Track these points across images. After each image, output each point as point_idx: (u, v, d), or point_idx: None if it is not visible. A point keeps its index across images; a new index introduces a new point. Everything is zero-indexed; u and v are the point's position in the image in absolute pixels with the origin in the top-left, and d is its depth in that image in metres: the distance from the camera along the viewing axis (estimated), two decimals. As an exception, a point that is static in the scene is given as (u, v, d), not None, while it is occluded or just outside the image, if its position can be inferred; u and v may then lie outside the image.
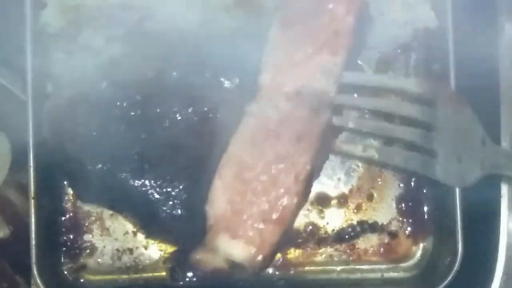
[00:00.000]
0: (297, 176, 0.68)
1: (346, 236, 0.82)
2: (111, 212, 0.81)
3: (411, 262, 0.83)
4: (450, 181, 0.73)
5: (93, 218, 0.82)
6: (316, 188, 0.82)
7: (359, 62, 0.82)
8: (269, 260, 0.72)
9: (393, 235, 0.83)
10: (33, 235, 0.74)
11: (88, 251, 0.81)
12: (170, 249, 0.81)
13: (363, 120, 0.77)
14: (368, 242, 0.83)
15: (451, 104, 0.71)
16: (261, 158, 0.67)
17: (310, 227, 0.82)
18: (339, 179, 0.83)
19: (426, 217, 0.82)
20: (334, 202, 0.82)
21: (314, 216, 0.82)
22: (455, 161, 0.71)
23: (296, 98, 0.66)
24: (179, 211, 0.76)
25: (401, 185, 0.83)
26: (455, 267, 0.75)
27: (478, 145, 0.70)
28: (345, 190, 0.83)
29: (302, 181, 0.68)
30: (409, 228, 0.83)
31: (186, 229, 0.77)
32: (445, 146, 0.71)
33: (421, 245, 0.83)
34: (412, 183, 0.83)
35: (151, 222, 0.79)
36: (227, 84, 0.77)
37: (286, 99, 0.67)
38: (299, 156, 0.67)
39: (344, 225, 0.83)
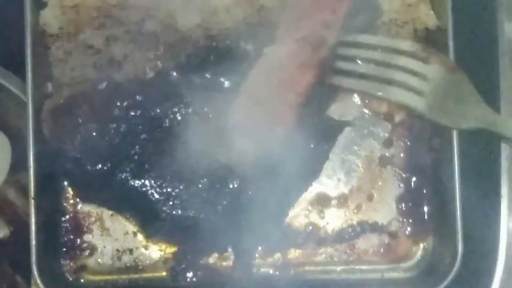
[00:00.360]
0: (302, 84, 0.75)
1: (346, 236, 0.82)
2: (111, 212, 0.81)
3: (411, 262, 0.83)
4: (439, 118, 0.75)
5: (93, 218, 0.82)
6: (316, 188, 0.82)
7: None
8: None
9: (393, 235, 0.83)
10: (33, 235, 0.74)
11: (88, 251, 0.81)
12: (170, 249, 0.81)
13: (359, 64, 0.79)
14: (368, 242, 0.83)
15: (443, 65, 0.75)
16: (275, 80, 0.76)
17: (310, 227, 0.82)
18: (339, 179, 0.83)
19: (426, 217, 0.82)
20: (334, 202, 0.82)
21: (314, 216, 0.82)
22: (447, 107, 0.75)
23: (302, 40, 0.76)
24: (179, 211, 0.76)
25: (401, 185, 0.83)
26: (455, 267, 0.75)
27: (469, 101, 0.74)
28: (345, 190, 0.83)
29: (306, 88, 0.75)
30: (409, 228, 0.83)
31: (187, 230, 0.77)
32: (438, 96, 0.75)
33: (421, 245, 0.83)
34: (412, 183, 0.83)
35: (151, 222, 0.79)
36: (227, 84, 0.78)
37: (294, 42, 0.76)
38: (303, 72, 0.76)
39: (344, 225, 0.83)
